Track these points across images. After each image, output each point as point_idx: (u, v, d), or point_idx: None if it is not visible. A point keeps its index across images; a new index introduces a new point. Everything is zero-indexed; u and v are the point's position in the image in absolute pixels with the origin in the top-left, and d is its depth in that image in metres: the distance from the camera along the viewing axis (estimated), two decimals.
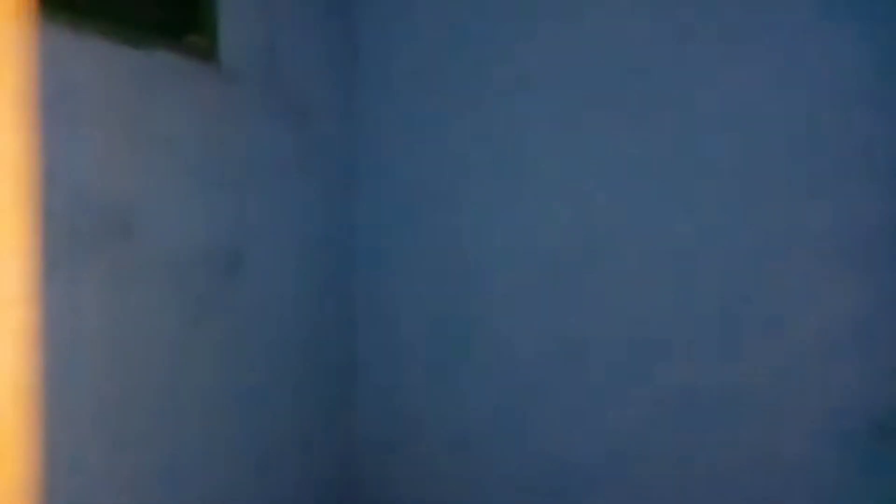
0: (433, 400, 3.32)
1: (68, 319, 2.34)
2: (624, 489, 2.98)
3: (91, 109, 2.44)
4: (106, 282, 2.45)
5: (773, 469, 2.70)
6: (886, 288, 2.55)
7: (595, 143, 3.05)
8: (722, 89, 2.86)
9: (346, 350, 3.42)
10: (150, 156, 2.61)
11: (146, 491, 2.56)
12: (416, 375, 3.36)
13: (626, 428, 2.99)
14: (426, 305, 3.34)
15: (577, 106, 3.08)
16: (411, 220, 3.37)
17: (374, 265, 3.43)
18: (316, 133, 3.25)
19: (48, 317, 2.29)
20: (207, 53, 2.84)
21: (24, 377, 2.26)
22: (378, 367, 3.44)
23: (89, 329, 2.40)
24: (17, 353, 1.97)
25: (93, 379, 2.40)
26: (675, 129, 2.93)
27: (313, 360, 3.24)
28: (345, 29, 3.41)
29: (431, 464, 3.30)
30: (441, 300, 3.31)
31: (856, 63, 2.63)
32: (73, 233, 2.37)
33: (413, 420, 3.34)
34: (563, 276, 3.10)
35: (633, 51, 2.98)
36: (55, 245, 2.31)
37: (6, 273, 2.26)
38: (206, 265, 2.78)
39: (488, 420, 3.22)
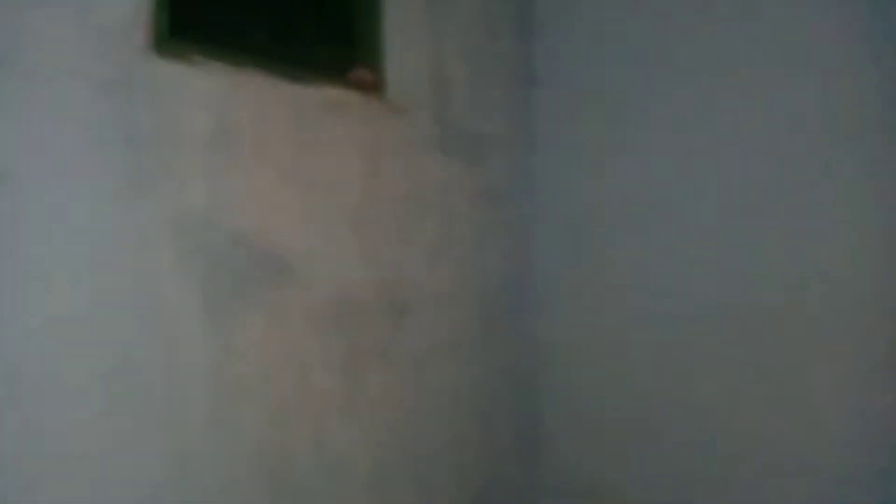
0: (620, 468, 2.94)
1: (228, 364, 2.23)
2: None
3: (251, 150, 2.33)
4: (266, 327, 2.32)
5: None
6: None
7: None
8: None
9: (524, 405, 3.12)
10: (311, 197, 2.47)
11: None
12: (599, 432, 3.00)
13: None
14: (609, 356, 2.98)
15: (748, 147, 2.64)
16: (594, 263, 3.03)
17: (554, 312, 3.11)
18: (491, 167, 3.01)
19: (210, 361, 2.19)
20: (373, 87, 2.68)
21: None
22: (559, 427, 3.10)
23: (249, 374, 2.27)
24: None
25: (252, 425, 2.27)
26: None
27: (486, 415, 2.97)
28: (522, 56, 3.16)
29: None
30: (627, 351, 2.94)
31: None
32: (234, 277, 2.26)
33: (599, 483, 2.98)
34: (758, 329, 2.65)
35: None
36: (216, 289, 2.22)
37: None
38: (368, 311, 2.59)
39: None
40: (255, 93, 2.34)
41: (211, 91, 2.24)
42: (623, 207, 2.98)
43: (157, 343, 2.10)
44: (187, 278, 2.17)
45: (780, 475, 2.66)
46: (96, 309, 2.01)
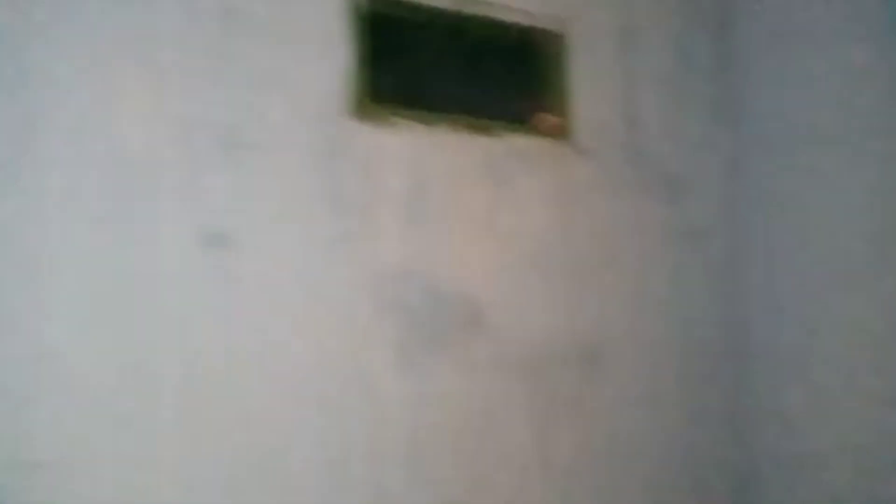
0: None
1: (423, 413, 2.27)
2: None
3: (444, 203, 2.39)
4: (454, 375, 2.34)
5: None
6: None
7: None
8: None
9: (740, 469, 2.87)
10: (502, 245, 2.47)
11: None
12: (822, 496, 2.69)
13: None
14: (834, 413, 2.67)
15: None
16: (810, 309, 2.75)
17: (767, 363, 2.86)
18: (690, 205, 2.85)
19: (406, 409, 2.25)
20: (560, 131, 2.64)
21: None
22: (781, 494, 2.82)
23: (443, 423, 2.30)
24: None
25: (446, 474, 2.29)
26: None
27: (696, 478, 2.76)
28: (721, 90, 2.98)
29: None
30: (855, 408, 2.62)
31: None
32: (428, 327, 2.31)
33: None
34: None
35: None
36: (411, 339, 2.29)
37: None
38: (559, 360, 2.52)
39: None
40: (446, 148, 2.41)
41: (406, 150, 2.35)
42: (840, 248, 2.69)
43: (357, 392, 2.20)
44: (384, 329, 2.26)
45: None
46: (303, 360, 2.14)
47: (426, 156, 2.37)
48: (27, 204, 1.89)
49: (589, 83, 2.70)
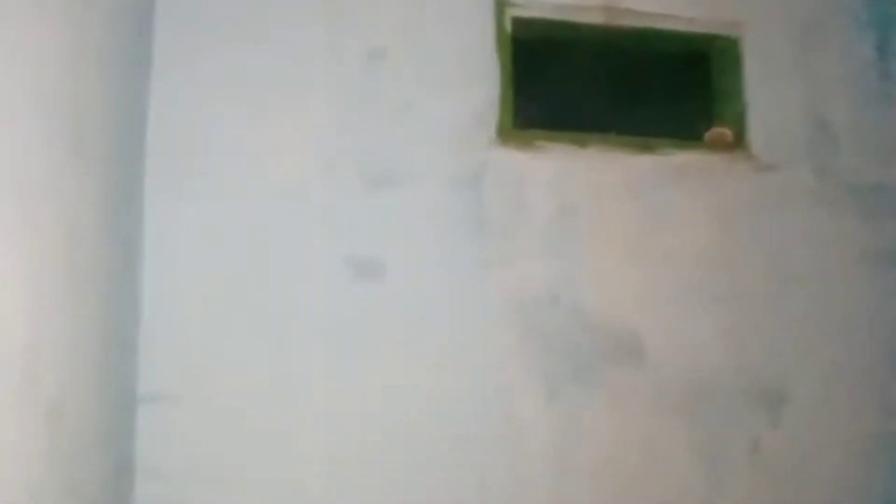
0: None
1: (570, 447, 2.16)
2: None
3: (592, 226, 2.27)
4: (606, 410, 2.20)
5: None
6: None
7: None
8: None
9: None
10: (659, 270, 2.30)
11: None
12: None
13: None
14: None
15: None
16: None
17: None
18: (889, 225, 2.50)
19: (552, 442, 2.15)
20: (733, 144, 2.42)
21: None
22: None
23: (592, 459, 2.17)
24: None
25: None
26: None
27: None
28: None
29: None
30: None
31: None
32: (576, 356, 2.21)
33: None
34: None
35: None
36: (558, 368, 2.20)
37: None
38: (732, 399, 2.28)
39: None
40: (594, 169, 2.30)
41: (553, 173, 2.28)
42: None
43: (498, 420, 2.15)
44: (529, 357, 2.20)
45: None
46: (448, 387, 2.12)
47: (574, 178, 2.28)
48: (188, 233, 2.04)
49: (767, 89, 2.45)
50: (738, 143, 2.43)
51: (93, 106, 1.53)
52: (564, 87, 2.38)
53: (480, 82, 2.25)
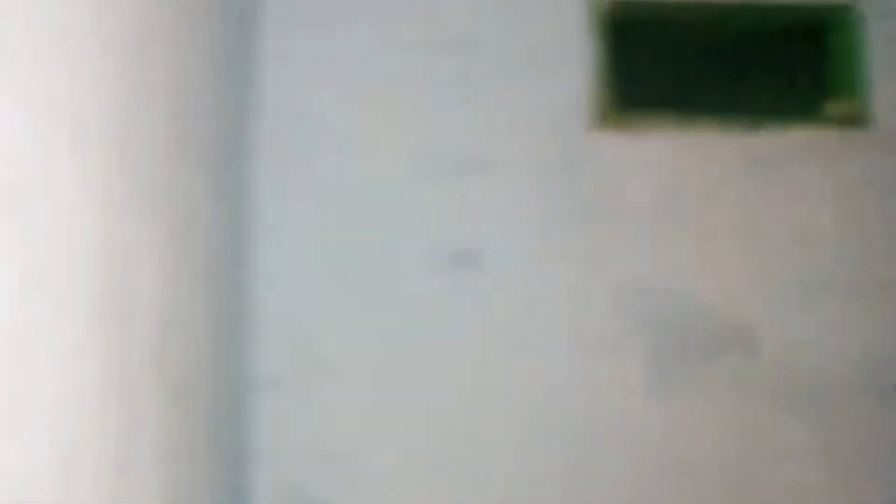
0: None
1: (676, 439, 2.09)
2: None
3: (697, 210, 2.18)
4: (718, 403, 2.11)
5: None
6: None
7: None
8: None
9: None
10: (772, 255, 2.18)
11: None
12: None
13: None
14: None
15: None
16: None
17: None
18: None
19: (657, 434, 2.08)
20: (854, 120, 2.29)
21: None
22: None
23: (700, 453, 2.09)
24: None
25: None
26: None
27: None
28: None
29: None
30: None
31: None
32: (682, 345, 2.13)
33: None
34: None
35: None
36: (662, 357, 2.12)
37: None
38: (858, 396, 2.14)
39: None
40: (702, 151, 2.21)
41: (655, 157, 2.21)
42: None
43: (602, 412, 2.10)
44: (631, 346, 2.13)
45: None
46: (546, 379, 2.09)
47: (678, 161, 2.19)
48: (295, 227, 2.07)
49: (892, 59, 2.31)
50: (860, 118, 2.30)
51: (203, 110, 1.57)
52: (671, 66, 2.28)
53: (577, 66, 2.20)
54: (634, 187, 2.17)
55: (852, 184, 2.23)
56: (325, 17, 2.17)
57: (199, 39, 1.55)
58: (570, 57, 2.21)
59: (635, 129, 2.20)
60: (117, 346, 1.04)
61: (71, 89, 0.91)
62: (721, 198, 2.18)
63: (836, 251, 2.20)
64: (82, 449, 0.93)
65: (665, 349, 2.12)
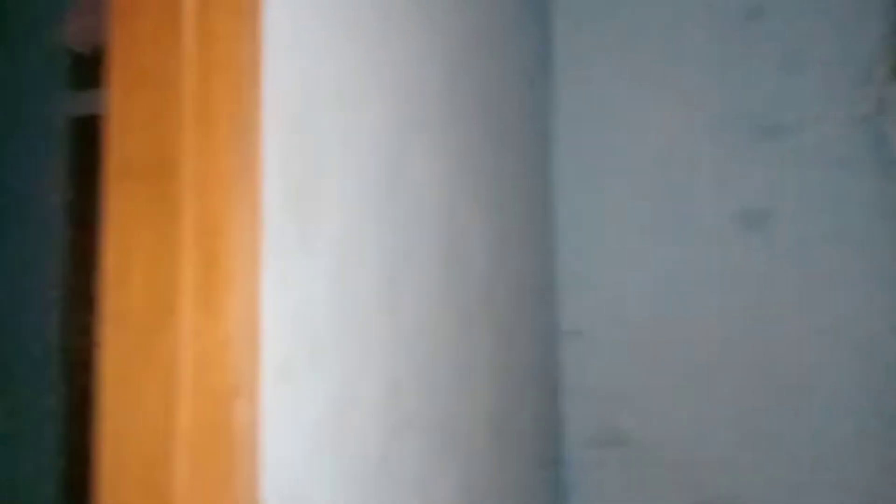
0: None
1: None
2: None
3: None
4: None
5: None
6: None
7: None
8: None
9: None
10: None
11: None
12: None
13: None
14: None
15: None
16: None
17: None
18: None
19: None
20: None
21: None
22: None
23: None
24: None
25: None
26: None
27: None
28: None
29: None
30: None
31: None
32: None
33: None
34: None
35: None
36: None
37: None
38: None
39: None
40: None
41: None
42: None
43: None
44: None
45: None
46: (842, 341, 2.12)
47: None
48: (593, 195, 2.33)
49: None
50: None
51: (514, 101, 1.90)
52: None
53: (874, 22, 2.18)
54: None
55: None
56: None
57: (510, 46, 1.89)
58: (866, 14, 2.20)
59: None
60: (458, 287, 1.40)
61: (423, 94, 1.28)
62: None
63: None
64: (437, 358, 1.30)
65: None
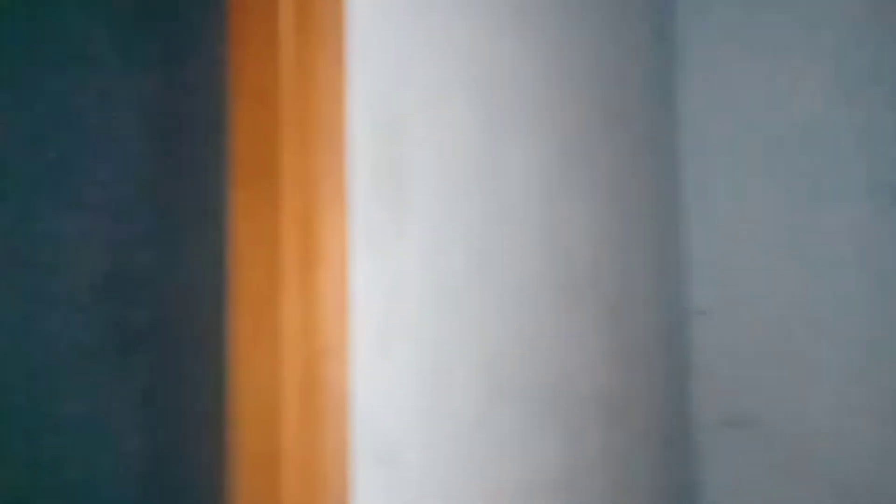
0: None
1: None
2: None
3: None
4: None
5: None
6: None
7: None
8: None
9: None
10: None
11: None
12: None
13: None
14: None
15: None
16: None
17: None
18: None
19: None
20: None
21: None
22: None
23: None
24: None
25: None
26: None
27: None
28: None
29: None
30: None
31: None
32: None
33: None
34: None
35: None
36: None
37: None
38: None
39: None
40: None
41: None
42: None
43: None
44: None
45: None
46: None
47: None
48: (721, 169, 2.35)
49: None
50: None
51: (625, 74, 1.98)
52: None
53: None
54: None
55: None
56: None
57: (623, 26, 1.97)
58: None
59: None
60: (561, 269, 1.52)
61: (519, 86, 1.40)
62: None
63: None
64: (539, 334, 1.42)
65: None
